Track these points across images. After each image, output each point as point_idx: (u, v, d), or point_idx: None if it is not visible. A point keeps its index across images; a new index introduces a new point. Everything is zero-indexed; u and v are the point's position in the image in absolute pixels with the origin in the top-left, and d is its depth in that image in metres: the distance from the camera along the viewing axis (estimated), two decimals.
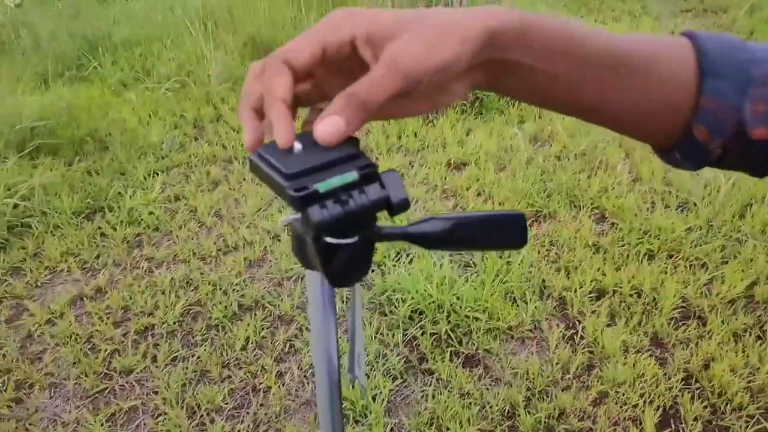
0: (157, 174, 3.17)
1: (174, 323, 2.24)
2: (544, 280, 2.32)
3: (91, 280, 2.49)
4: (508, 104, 3.60)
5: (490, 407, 1.84)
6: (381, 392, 1.90)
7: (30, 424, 1.89)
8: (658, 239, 2.43)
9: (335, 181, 0.45)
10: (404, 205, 0.49)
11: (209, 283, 2.41)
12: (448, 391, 1.91)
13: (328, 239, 0.46)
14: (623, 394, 1.85)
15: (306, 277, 0.55)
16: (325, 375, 0.56)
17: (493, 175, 2.96)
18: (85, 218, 2.86)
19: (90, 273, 2.54)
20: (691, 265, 2.35)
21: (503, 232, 0.56)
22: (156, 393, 1.97)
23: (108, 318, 2.28)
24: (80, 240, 2.69)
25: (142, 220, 2.82)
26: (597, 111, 0.48)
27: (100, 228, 2.78)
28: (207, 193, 3.02)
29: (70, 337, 2.20)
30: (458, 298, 2.20)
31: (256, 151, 0.48)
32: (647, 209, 2.62)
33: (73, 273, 2.54)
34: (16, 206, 2.87)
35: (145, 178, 3.11)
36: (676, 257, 2.38)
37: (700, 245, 2.41)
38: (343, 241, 0.47)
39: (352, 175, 0.46)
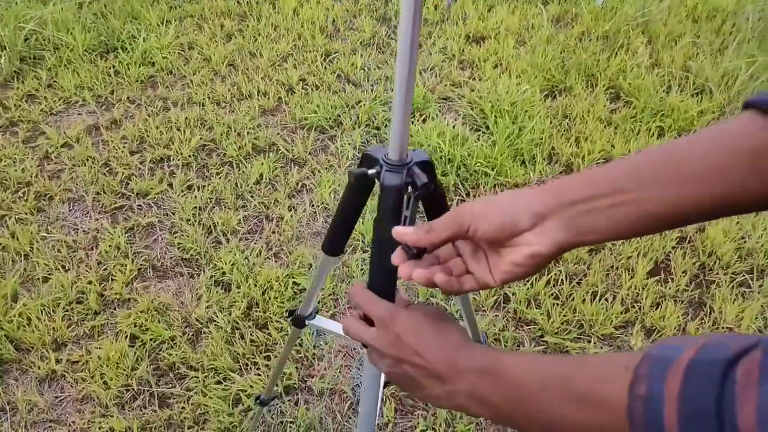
0: (170, 22, 3.10)
1: (189, 156, 2.28)
2: (553, 147, 2.36)
3: (105, 113, 2.51)
4: None
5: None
6: None
7: (52, 229, 1.97)
8: (671, 118, 2.46)
9: None
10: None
11: (224, 125, 2.43)
12: None
13: None
14: (619, 247, 1.95)
15: None
16: None
17: (512, 49, 2.92)
18: (98, 56, 2.82)
19: (105, 106, 2.56)
20: None
21: None
22: (173, 213, 2.05)
23: (124, 146, 2.31)
24: (94, 75, 2.68)
25: (155, 62, 2.79)
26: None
27: (113, 66, 2.75)
28: (221, 44, 2.97)
29: (88, 159, 2.24)
30: (469, 155, 2.24)
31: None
32: (663, 91, 2.62)
33: (87, 105, 2.54)
34: (27, 39, 2.83)
35: (158, 25, 3.05)
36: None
37: None
38: None
39: None
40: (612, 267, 1.90)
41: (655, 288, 1.84)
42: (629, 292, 1.83)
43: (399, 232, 0.55)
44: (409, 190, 0.63)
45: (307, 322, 0.95)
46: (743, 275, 1.88)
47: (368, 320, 0.59)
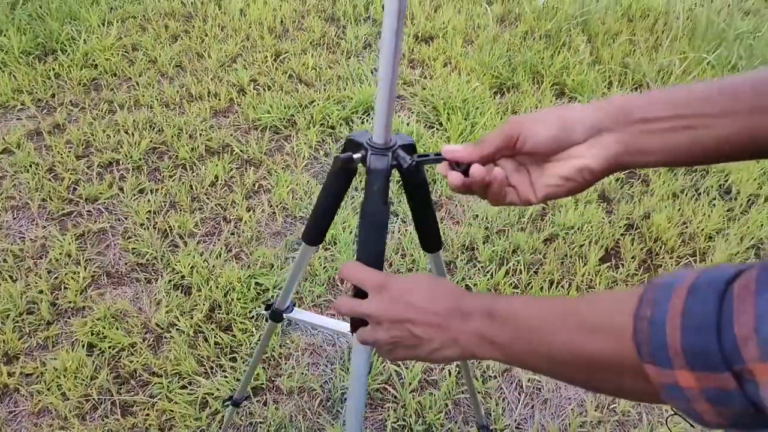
0: (111, 23, 3.01)
1: (139, 159, 2.22)
2: None
3: (47, 117, 2.40)
4: None
5: (452, 241, 1.97)
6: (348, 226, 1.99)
7: None
8: None
9: None
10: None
11: (174, 127, 2.38)
12: (411, 228, 2.02)
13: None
14: (572, 236, 2.02)
15: None
16: None
17: (461, 48, 2.98)
18: (35, 59, 2.70)
19: (46, 110, 2.45)
20: None
21: None
22: (126, 218, 1.99)
23: (69, 151, 2.23)
24: (33, 79, 2.57)
25: (98, 64, 2.70)
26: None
27: (53, 69, 2.65)
28: (167, 45, 2.90)
29: (31, 165, 2.15)
30: (425, 151, 2.27)
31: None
32: (605, 86, 2.74)
33: (27, 110, 2.43)
34: None
35: (99, 26, 2.95)
36: None
37: None
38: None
39: None
40: (566, 255, 1.97)
41: (607, 273, 1.92)
42: (583, 278, 1.90)
43: (449, 149, 0.55)
44: (410, 161, 0.64)
45: (285, 315, 0.95)
46: (687, 258, 1.99)
47: (359, 297, 0.60)
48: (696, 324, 0.33)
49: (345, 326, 0.90)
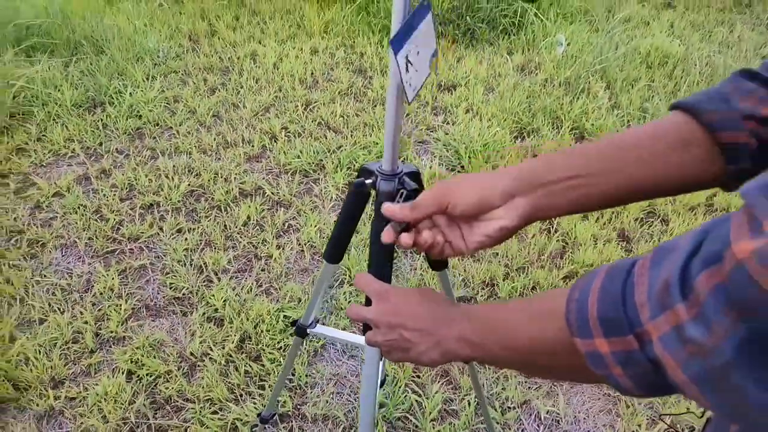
0: (155, 78, 3.24)
1: (178, 201, 2.37)
2: None
3: (95, 164, 2.59)
4: (498, 36, 3.74)
5: (472, 277, 2.04)
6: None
7: (46, 273, 2.02)
8: None
9: None
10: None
11: (211, 171, 2.54)
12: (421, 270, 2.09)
13: None
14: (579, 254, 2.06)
15: None
16: None
17: (482, 96, 3.12)
18: (85, 110, 2.93)
19: (94, 157, 2.64)
20: None
21: None
22: (165, 255, 2.12)
23: (114, 194, 2.39)
24: (83, 129, 2.78)
25: (142, 115, 2.91)
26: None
27: (101, 119, 2.86)
28: (205, 97, 3.11)
29: (79, 207, 2.31)
30: None
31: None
32: (624, 130, 2.82)
33: (77, 156, 2.63)
34: (15, 96, 2.93)
35: (144, 81, 3.18)
36: None
37: None
38: None
39: None
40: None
41: None
42: None
43: (388, 208, 0.65)
44: (401, 190, 0.74)
45: (309, 330, 1.03)
46: None
47: (368, 304, 0.69)
48: (608, 298, 0.42)
49: (361, 339, 0.99)
